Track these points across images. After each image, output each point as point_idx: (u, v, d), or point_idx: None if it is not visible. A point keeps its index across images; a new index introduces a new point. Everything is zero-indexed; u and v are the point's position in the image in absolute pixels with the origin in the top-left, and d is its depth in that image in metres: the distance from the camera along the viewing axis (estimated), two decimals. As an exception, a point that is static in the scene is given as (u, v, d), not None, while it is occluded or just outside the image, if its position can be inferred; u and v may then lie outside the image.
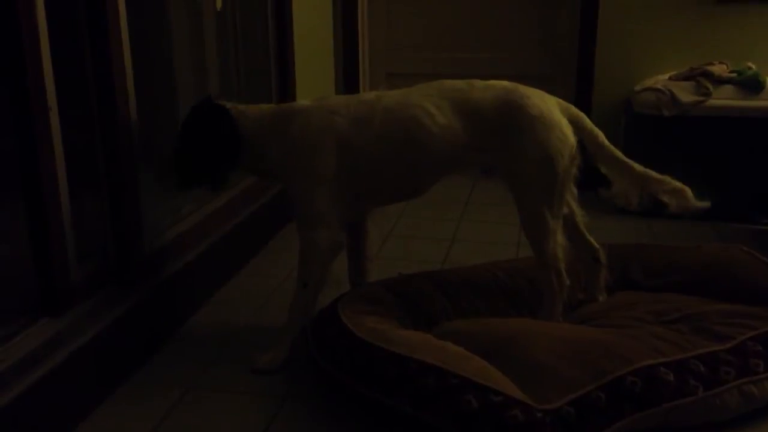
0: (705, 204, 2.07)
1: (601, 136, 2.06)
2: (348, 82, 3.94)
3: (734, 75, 3.27)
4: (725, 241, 2.89)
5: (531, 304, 2.15)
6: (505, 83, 2.03)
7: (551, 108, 1.99)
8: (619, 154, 2.07)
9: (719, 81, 3.25)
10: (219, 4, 2.66)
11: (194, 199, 2.60)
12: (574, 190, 2.10)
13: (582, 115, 2.05)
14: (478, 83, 2.02)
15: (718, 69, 3.30)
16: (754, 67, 3.31)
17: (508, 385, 1.63)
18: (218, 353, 2.11)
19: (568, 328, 1.93)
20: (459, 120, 1.97)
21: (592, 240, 2.21)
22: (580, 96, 3.72)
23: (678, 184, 2.08)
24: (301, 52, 3.24)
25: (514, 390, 1.62)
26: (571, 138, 1.99)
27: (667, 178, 2.08)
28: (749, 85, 3.22)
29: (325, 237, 1.97)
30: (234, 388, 1.93)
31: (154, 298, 2.12)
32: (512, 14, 3.88)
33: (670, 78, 3.39)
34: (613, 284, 2.29)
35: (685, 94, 3.23)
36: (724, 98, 3.20)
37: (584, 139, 2.03)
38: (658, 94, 3.25)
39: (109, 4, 1.88)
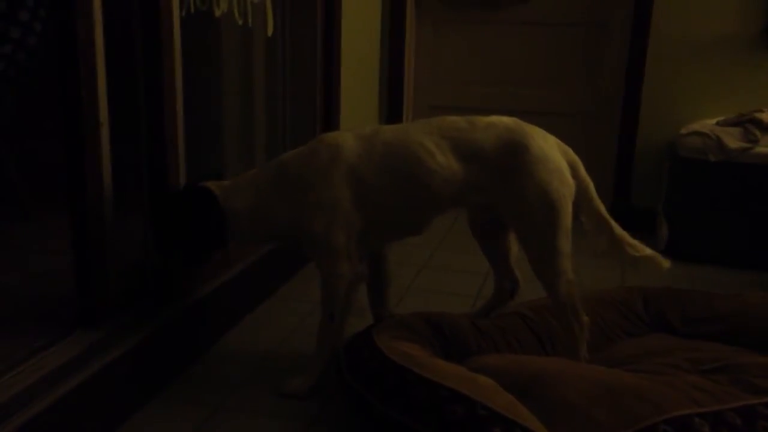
0: (667, 264, 2.09)
1: (592, 187, 2.03)
2: (391, 112, 3.98)
3: (783, 123, 3.22)
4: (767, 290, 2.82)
5: (563, 342, 2.13)
6: (507, 121, 2.00)
7: (553, 149, 1.97)
8: (603, 210, 2.05)
9: (768, 128, 3.20)
10: (270, 31, 2.71)
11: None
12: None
13: (578, 160, 2.02)
14: (480, 122, 1.99)
15: None
16: (804, 116, 3.26)
17: (536, 423, 1.61)
18: (248, 375, 2.12)
19: (601, 371, 1.90)
20: (459, 160, 1.95)
21: (517, 275, 2.23)
22: (624, 136, 3.70)
23: (649, 252, 2.07)
24: (347, 81, 3.28)
25: (542, 429, 1.59)
26: (570, 179, 1.97)
27: (640, 245, 2.07)
28: (799, 133, 3.16)
29: (346, 269, 1.97)
30: (262, 411, 1.93)
31: (188, 316, 2.14)
32: (559, 51, 3.88)
33: (717, 123, 3.34)
34: (648, 327, 2.25)
35: (733, 140, 3.18)
36: (773, 146, 3.15)
37: (576, 186, 1.99)
38: (705, 138, 3.21)
39: (163, 26, 1.94)
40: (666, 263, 2.08)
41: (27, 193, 2.93)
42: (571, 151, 2.02)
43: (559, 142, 2.02)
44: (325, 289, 2.01)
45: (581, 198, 2.01)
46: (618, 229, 2.06)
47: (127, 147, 1.96)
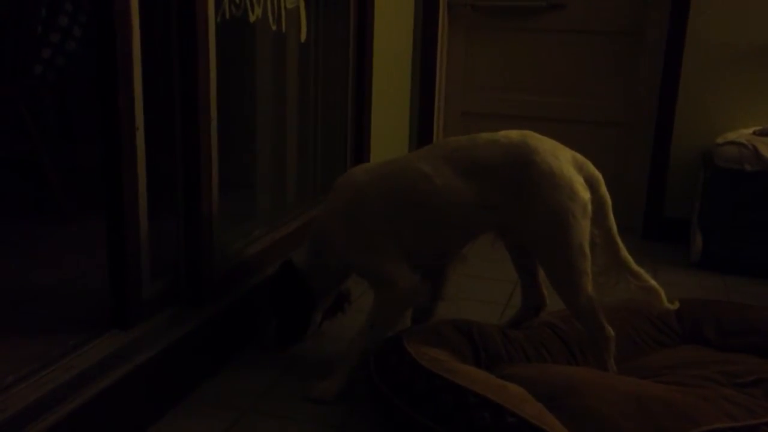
0: (674, 306, 2.01)
1: (609, 205, 1.98)
2: (423, 118, 3.97)
3: (822, 133, 3.16)
4: (805, 304, 2.77)
5: (593, 352, 2.11)
6: (513, 136, 1.95)
7: (562, 164, 1.90)
8: (615, 230, 1.99)
9: (806, 139, 3.14)
10: (303, 36, 2.74)
11: (265, 223, 2.65)
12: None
13: (598, 175, 1.96)
14: (482, 138, 1.98)
15: (806, 126, 3.20)
16: (844, 125, 3.20)
17: (565, 433, 1.60)
18: (277, 379, 2.13)
19: (631, 382, 1.88)
20: (462, 178, 1.94)
21: (545, 293, 2.19)
22: (659, 145, 3.64)
23: (652, 283, 1.99)
24: (379, 86, 3.29)
25: (571, 439, 1.58)
26: (583, 195, 1.90)
27: (645, 275, 1.99)
28: (838, 144, 3.10)
29: (402, 288, 2.00)
30: (289, 416, 1.94)
31: (219, 319, 2.16)
32: (592, 59, 3.84)
33: (754, 132, 3.29)
34: (681, 338, 2.22)
35: (770, 150, 3.13)
36: (810, 156, 3.09)
37: (592, 201, 1.93)
38: (741, 148, 3.16)
39: (199, 32, 1.96)
40: (671, 305, 2.00)
41: (65, 194, 2.98)
42: (590, 166, 1.96)
43: (577, 155, 1.96)
44: (378, 305, 2.04)
45: (597, 213, 1.95)
46: (624, 253, 2.00)
47: (161, 150, 1.99)
